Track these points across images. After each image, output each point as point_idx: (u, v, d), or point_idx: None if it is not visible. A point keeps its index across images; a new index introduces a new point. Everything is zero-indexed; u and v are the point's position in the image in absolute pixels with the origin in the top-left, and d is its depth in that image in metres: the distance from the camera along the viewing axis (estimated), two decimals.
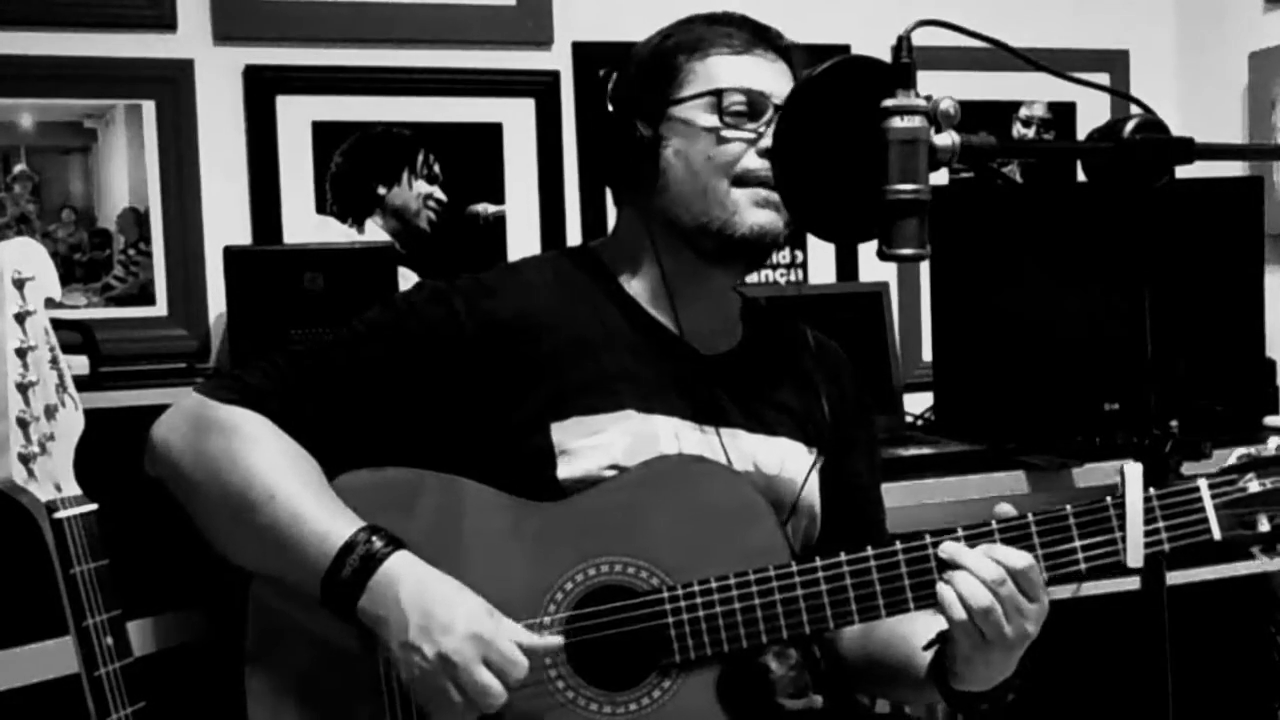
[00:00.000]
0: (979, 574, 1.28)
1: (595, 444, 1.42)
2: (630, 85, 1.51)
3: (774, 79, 1.47)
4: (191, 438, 1.42)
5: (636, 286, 1.53)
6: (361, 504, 1.38)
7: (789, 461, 1.52)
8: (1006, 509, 1.33)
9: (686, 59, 1.48)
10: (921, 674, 1.40)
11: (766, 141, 1.44)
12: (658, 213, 1.49)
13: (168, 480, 1.44)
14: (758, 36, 1.50)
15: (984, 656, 1.30)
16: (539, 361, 1.45)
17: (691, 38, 1.49)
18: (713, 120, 1.45)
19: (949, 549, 1.31)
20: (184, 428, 1.43)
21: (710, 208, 1.45)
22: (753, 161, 1.45)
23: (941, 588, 1.29)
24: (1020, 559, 1.28)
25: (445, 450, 1.44)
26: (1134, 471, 1.29)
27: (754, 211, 1.45)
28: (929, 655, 1.39)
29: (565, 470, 1.41)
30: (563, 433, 1.42)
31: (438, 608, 1.31)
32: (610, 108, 1.51)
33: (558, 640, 1.35)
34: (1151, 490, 1.29)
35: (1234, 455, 1.33)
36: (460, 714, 1.30)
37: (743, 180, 1.45)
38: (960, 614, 1.28)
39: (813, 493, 1.54)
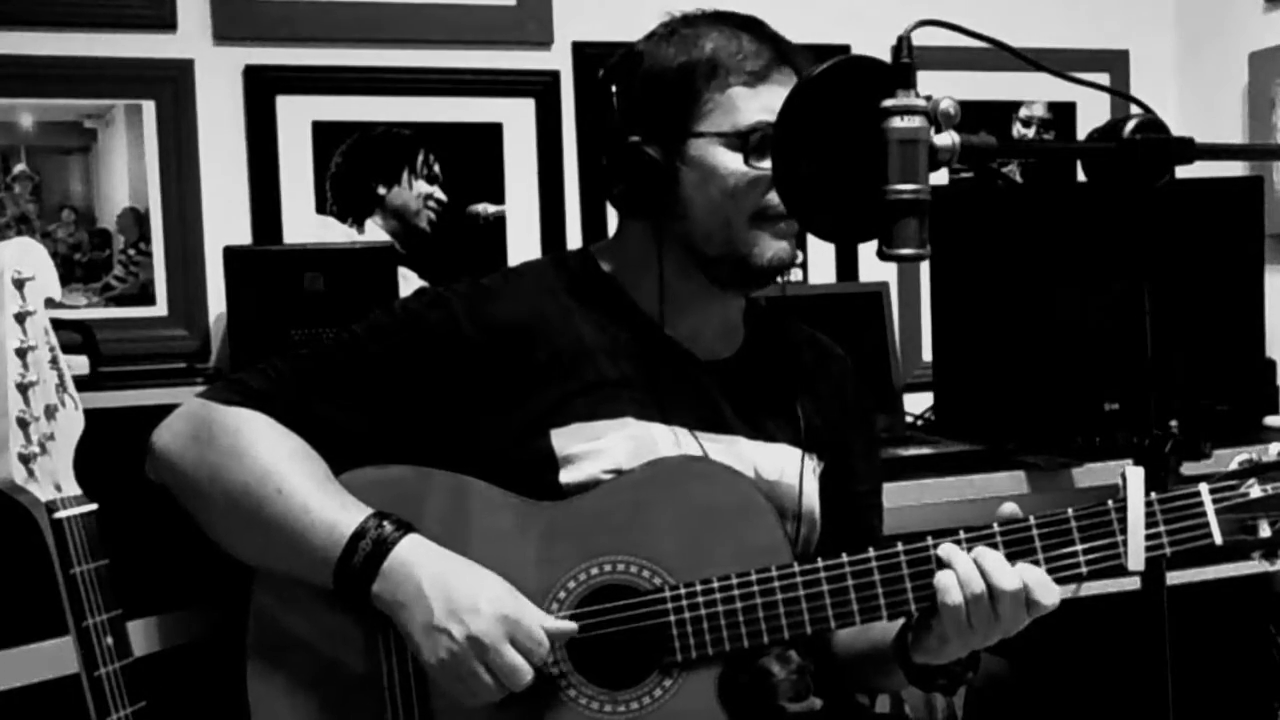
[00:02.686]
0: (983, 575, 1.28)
1: (595, 449, 1.42)
2: (642, 105, 1.48)
3: None
4: (194, 440, 1.42)
5: (639, 293, 1.53)
6: (367, 501, 1.38)
7: (789, 468, 1.52)
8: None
9: (704, 86, 1.45)
10: (888, 648, 1.41)
11: None
12: (673, 236, 1.49)
13: (171, 484, 1.44)
14: (774, 55, 1.46)
15: (963, 641, 1.32)
16: (539, 366, 1.45)
17: (706, 60, 1.45)
18: (736, 161, 1.44)
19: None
20: (186, 431, 1.44)
21: (732, 243, 1.46)
22: (774, 198, 1.43)
23: (942, 573, 1.30)
24: (1034, 575, 1.30)
25: (447, 453, 1.44)
26: (1135, 475, 1.29)
27: (773, 244, 1.46)
28: (894, 628, 1.40)
29: (567, 476, 1.42)
30: (563, 439, 1.43)
31: (460, 590, 1.31)
32: (619, 124, 1.49)
33: (572, 625, 1.35)
34: (1153, 494, 1.29)
35: (1236, 460, 1.33)
36: (489, 695, 1.31)
37: (762, 215, 1.45)
38: (956, 599, 1.28)
39: (812, 498, 1.54)
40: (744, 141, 1.43)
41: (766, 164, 1.42)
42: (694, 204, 1.46)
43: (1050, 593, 1.30)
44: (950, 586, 1.29)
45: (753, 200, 1.44)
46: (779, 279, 1.50)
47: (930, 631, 1.34)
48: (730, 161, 1.44)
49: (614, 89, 1.50)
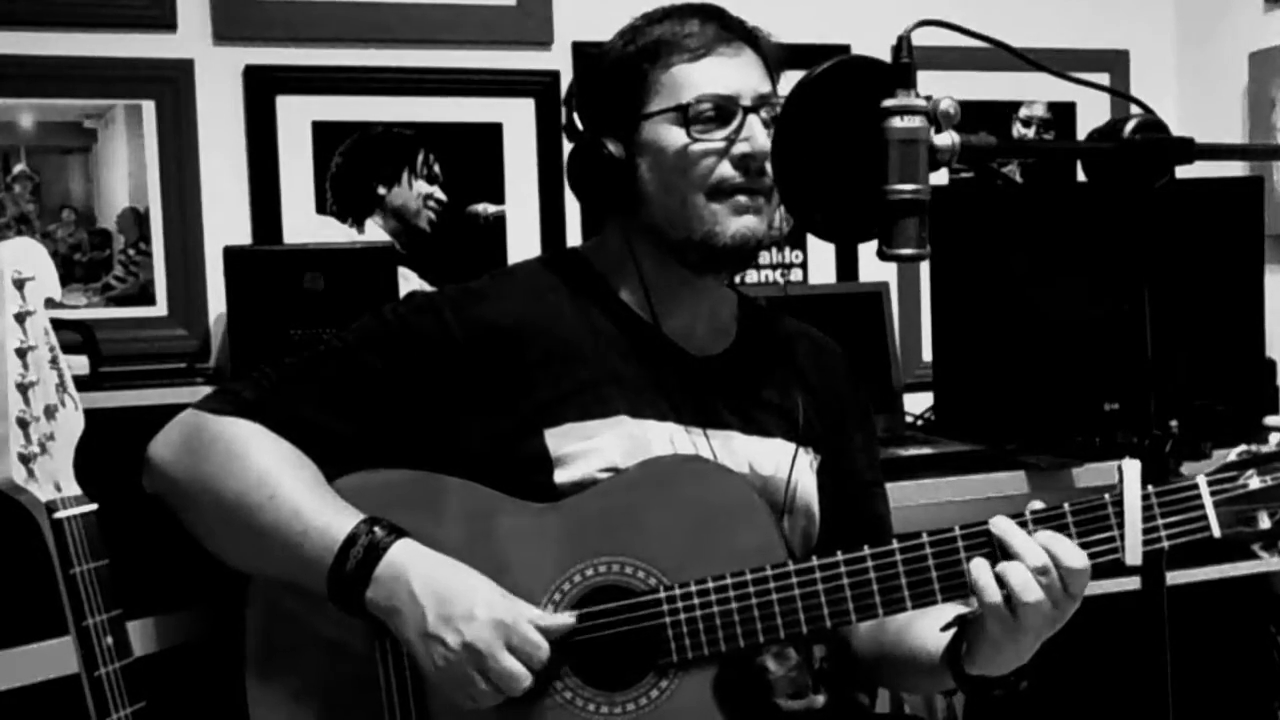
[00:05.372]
0: (1027, 561, 1.27)
1: (590, 449, 1.42)
2: (598, 100, 1.50)
3: (740, 75, 1.46)
4: (187, 450, 1.43)
5: (627, 291, 1.53)
6: (361, 505, 1.38)
7: (784, 462, 1.52)
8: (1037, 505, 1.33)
9: (649, 68, 1.46)
10: (935, 659, 1.40)
11: (739, 148, 1.43)
12: (640, 228, 1.49)
13: (166, 495, 1.45)
14: (721, 29, 1.47)
15: (1012, 639, 1.30)
16: (530, 367, 1.45)
17: (650, 42, 1.46)
18: (680, 136, 1.44)
19: (1001, 526, 1.30)
20: (179, 442, 1.44)
21: (691, 222, 1.45)
22: (726, 170, 1.44)
23: (978, 569, 1.28)
24: (1077, 558, 1.27)
25: (441, 456, 1.44)
26: (1132, 468, 1.29)
27: (734, 220, 1.45)
28: (945, 639, 1.39)
29: (562, 476, 1.42)
30: (556, 439, 1.43)
31: (454, 595, 1.31)
32: (579, 124, 1.51)
33: (570, 618, 1.35)
34: (1150, 488, 1.29)
35: (1234, 452, 1.32)
36: (486, 701, 1.31)
37: (718, 191, 1.44)
38: (995, 597, 1.27)
39: (808, 492, 1.54)
40: (685, 115, 1.43)
41: (713, 136, 1.43)
42: (651, 189, 1.46)
43: (1077, 556, 1.28)
44: (988, 584, 1.27)
45: (702, 174, 1.44)
46: (785, 274, 1.50)
47: (979, 641, 1.33)
48: (676, 137, 1.44)
49: (575, 91, 1.53)
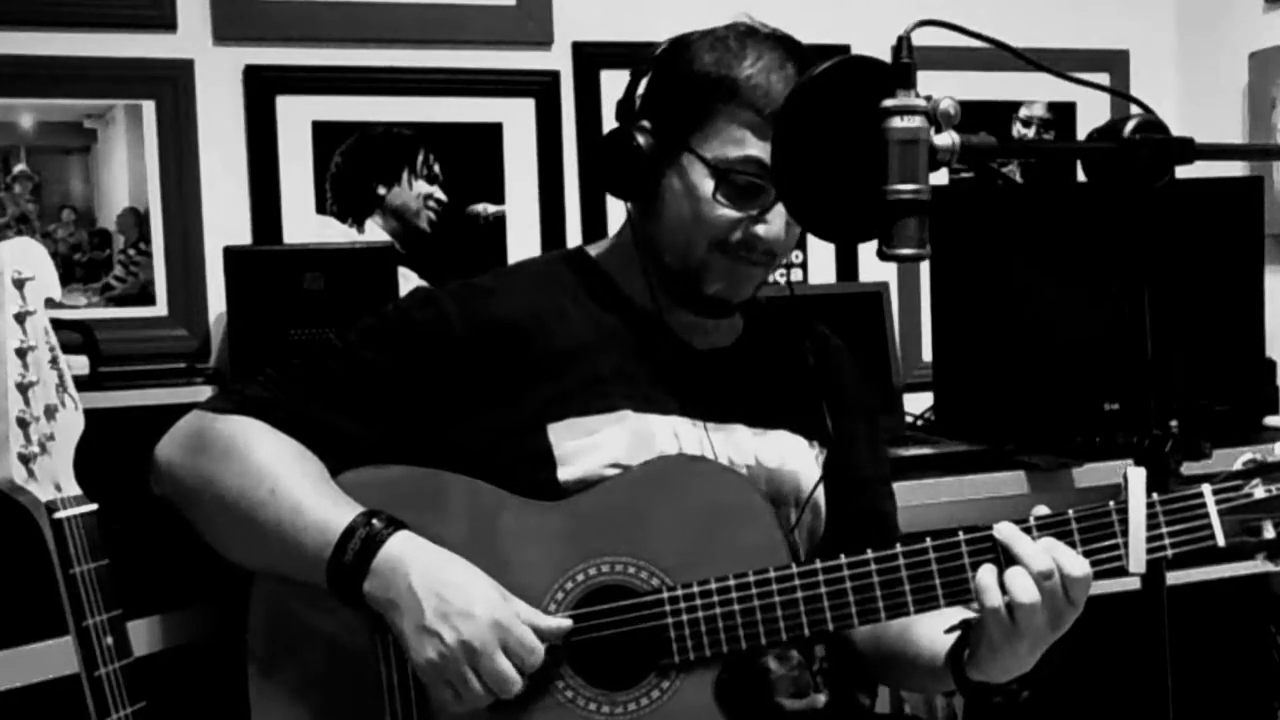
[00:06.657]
0: (1031, 566, 1.27)
1: (593, 444, 1.43)
2: (661, 96, 1.48)
3: None
4: (191, 449, 1.43)
5: (632, 286, 1.53)
6: (364, 501, 1.38)
7: (790, 456, 1.52)
8: (1041, 510, 1.33)
9: (717, 106, 1.43)
10: (938, 662, 1.40)
11: (757, 227, 1.43)
12: (646, 231, 1.50)
13: (173, 496, 1.45)
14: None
15: (1010, 644, 1.30)
16: (533, 362, 1.45)
17: (730, 80, 1.42)
18: (709, 188, 1.43)
19: (1005, 531, 1.29)
20: (183, 442, 1.45)
21: (687, 260, 1.47)
22: (736, 236, 1.44)
23: (982, 572, 1.28)
24: (1078, 566, 1.27)
25: (445, 453, 1.44)
26: (1137, 476, 1.28)
27: (726, 276, 1.46)
28: (949, 641, 1.39)
29: (566, 473, 1.42)
30: (559, 434, 1.43)
31: (452, 591, 1.31)
32: (638, 103, 1.49)
33: (567, 622, 1.35)
34: (1155, 496, 1.28)
35: (1239, 460, 1.31)
36: (476, 701, 1.31)
37: (723, 248, 1.45)
38: (996, 601, 1.27)
39: (817, 488, 1.54)
40: (720, 176, 1.43)
41: (737, 205, 1.43)
42: (667, 210, 1.47)
43: (1078, 564, 1.28)
44: (989, 586, 1.28)
45: (714, 230, 1.44)
46: (785, 273, 1.50)
47: (980, 645, 1.33)
48: (705, 187, 1.43)
49: (647, 68, 1.49)
